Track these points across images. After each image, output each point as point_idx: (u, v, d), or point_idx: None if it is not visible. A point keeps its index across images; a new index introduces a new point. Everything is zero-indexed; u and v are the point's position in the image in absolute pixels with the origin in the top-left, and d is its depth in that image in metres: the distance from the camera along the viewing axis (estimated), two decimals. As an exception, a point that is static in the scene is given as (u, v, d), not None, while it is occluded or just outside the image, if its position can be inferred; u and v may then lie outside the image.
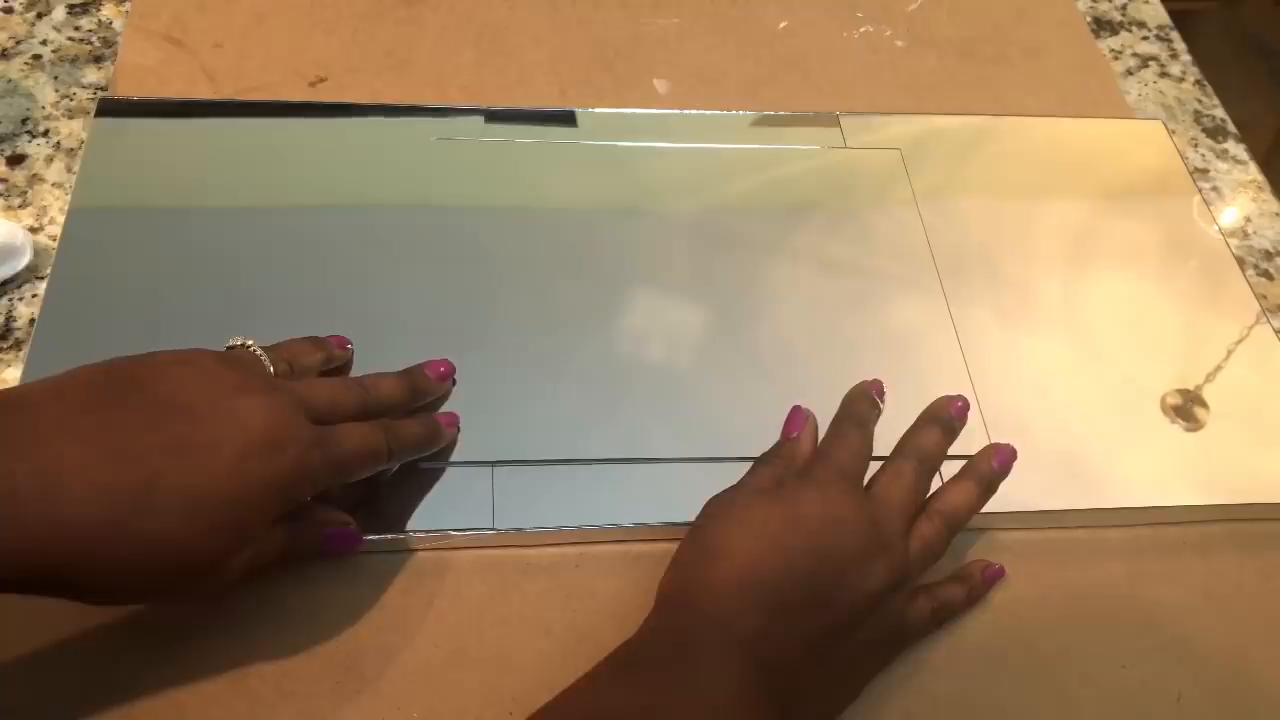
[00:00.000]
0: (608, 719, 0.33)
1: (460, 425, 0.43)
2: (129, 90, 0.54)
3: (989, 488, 0.42)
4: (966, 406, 0.43)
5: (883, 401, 0.44)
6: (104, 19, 0.58)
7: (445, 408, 0.44)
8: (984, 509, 0.43)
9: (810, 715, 0.37)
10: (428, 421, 0.42)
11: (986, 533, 0.44)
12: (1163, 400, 0.49)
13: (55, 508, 0.30)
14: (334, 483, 0.37)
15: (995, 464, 0.42)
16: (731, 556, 0.36)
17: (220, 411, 0.33)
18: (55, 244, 0.47)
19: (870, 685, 0.39)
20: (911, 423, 0.43)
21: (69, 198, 0.49)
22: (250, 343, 0.39)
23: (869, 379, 0.44)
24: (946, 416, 0.43)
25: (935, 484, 0.42)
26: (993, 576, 0.43)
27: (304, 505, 0.38)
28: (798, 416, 0.43)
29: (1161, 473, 0.46)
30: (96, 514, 0.30)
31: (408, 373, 0.43)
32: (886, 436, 0.43)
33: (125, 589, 0.33)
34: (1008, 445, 0.43)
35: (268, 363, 0.38)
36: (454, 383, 0.44)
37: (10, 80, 0.55)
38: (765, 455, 0.42)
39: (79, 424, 0.31)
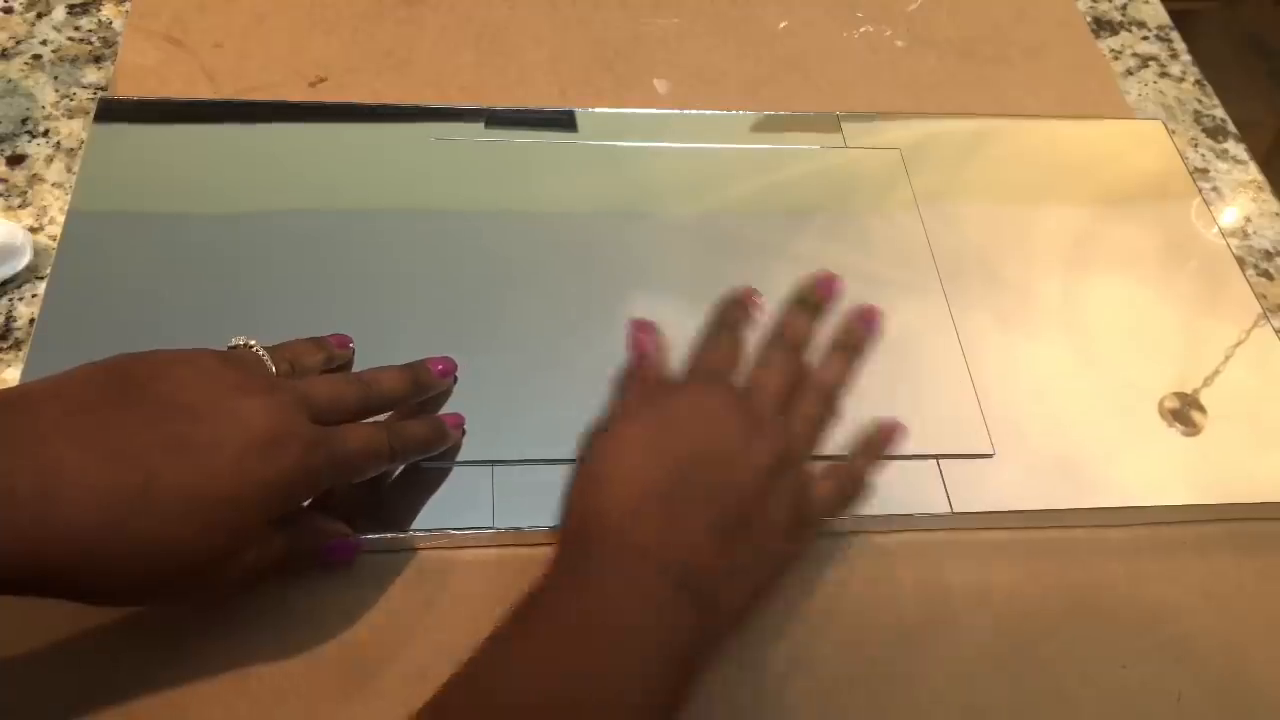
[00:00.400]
0: (521, 675, 0.32)
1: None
2: (129, 90, 0.54)
3: (858, 355, 0.42)
4: (834, 282, 0.43)
5: (756, 310, 0.42)
6: (104, 19, 0.58)
7: (446, 407, 0.44)
8: (985, 509, 0.44)
9: (735, 603, 0.36)
10: (432, 422, 0.42)
11: (986, 533, 0.44)
12: (1162, 402, 0.49)
13: (54, 509, 0.30)
14: (336, 483, 0.37)
15: (863, 327, 0.42)
16: (616, 477, 0.36)
17: (221, 411, 0.33)
18: (55, 244, 0.47)
19: (870, 684, 0.39)
20: (906, 423, 0.43)
21: (69, 198, 0.49)
22: (253, 343, 0.39)
23: (743, 287, 0.43)
24: (813, 300, 0.42)
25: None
26: (889, 430, 0.42)
27: (304, 513, 0.37)
28: (639, 332, 0.42)
29: (1161, 473, 0.46)
30: (95, 516, 0.30)
31: (410, 367, 0.42)
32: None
33: (125, 590, 0.33)
34: (870, 305, 0.43)
35: (269, 363, 0.38)
36: (455, 380, 0.44)
37: (10, 80, 0.55)
38: (621, 380, 0.41)
39: (78, 424, 0.31)
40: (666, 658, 0.33)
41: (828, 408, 0.41)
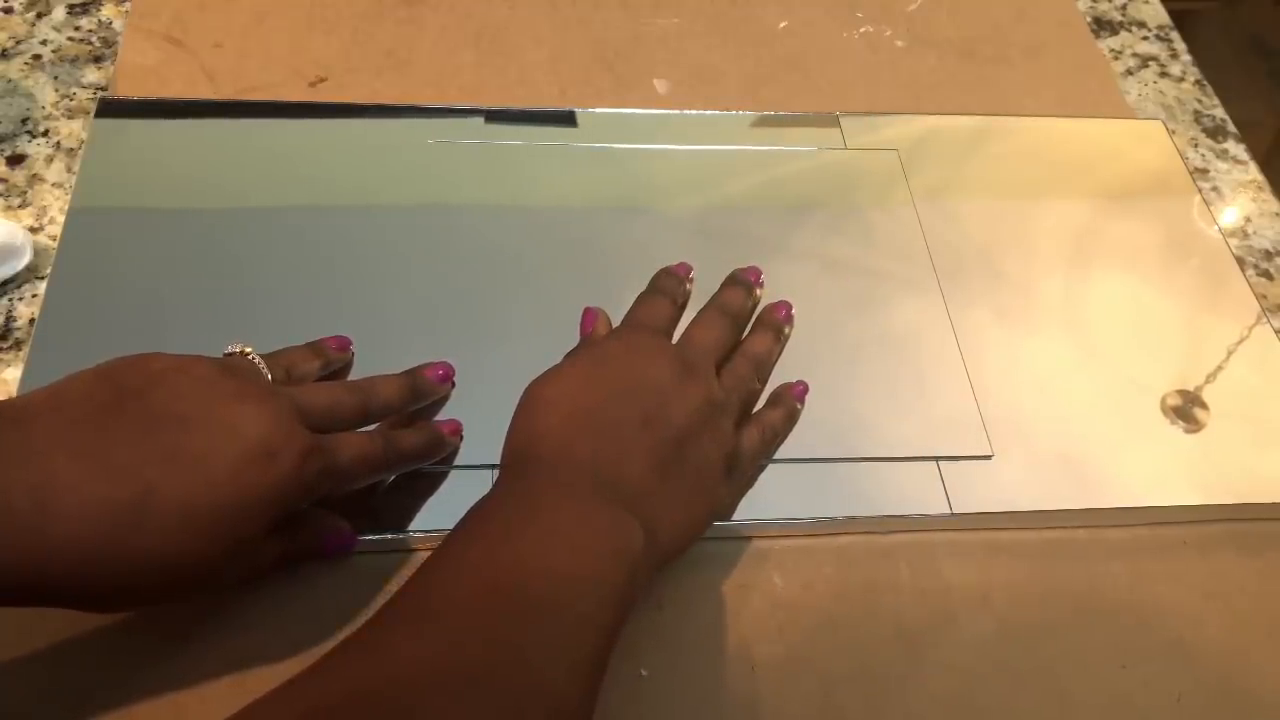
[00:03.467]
0: (467, 571, 0.32)
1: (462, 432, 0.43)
2: (129, 90, 0.54)
3: (780, 335, 0.47)
4: (760, 271, 0.49)
5: (690, 283, 0.48)
6: (104, 19, 0.58)
7: (445, 410, 0.44)
8: (987, 510, 0.44)
9: (671, 531, 0.37)
10: (429, 431, 0.41)
11: (986, 533, 0.44)
12: (1163, 400, 0.49)
13: (51, 523, 0.30)
14: (331, 491, 0.37)
15: (781, 315, 0.48)
16: (556, 400, 0.38)
17: (217, 420, 0.33)
18: (55, 244, 0.47)
19: (870, 684, 0.39)
20: (904, 425, 0.45)
21: (69, 198, 0.49)
22: (249, 350, 0.38)
23: (677, 264, 0.48)
24: (746, 281, 0.48)
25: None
26: (800, 393, 0.46)
27: (300, 513, 0.37)
28: (589, 315, 0.46)
29: (1162, 473, 0.46)
30: (92, 529, 0.30)
31: (408, 374, 0.42)
32: (870, 439, 0.43)
33: (122, 599, 0.34)
34: (785, 301, 0.48)
35: (266, 370, 0.38)
36: (453, 384, 0.44)
37: (10, 80, 0.55)
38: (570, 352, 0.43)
39: (75, 436, 0.31)
40: (620, 563, 0.33)
41: (756, 374, 0.45)
